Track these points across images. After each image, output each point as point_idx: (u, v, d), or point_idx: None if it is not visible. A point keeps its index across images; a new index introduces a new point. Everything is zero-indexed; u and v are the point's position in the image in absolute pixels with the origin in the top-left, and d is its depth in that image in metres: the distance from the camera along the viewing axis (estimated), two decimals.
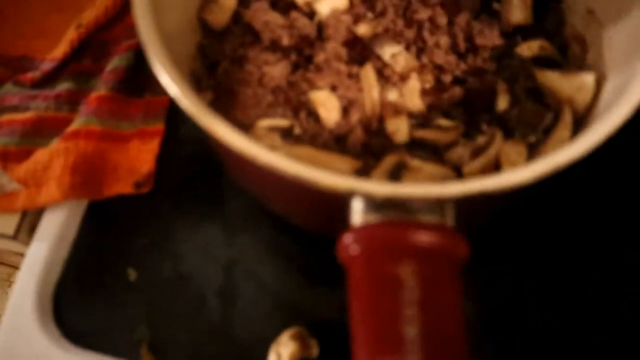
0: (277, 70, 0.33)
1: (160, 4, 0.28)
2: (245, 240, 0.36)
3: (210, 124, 0.23)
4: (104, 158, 0.37)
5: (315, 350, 0.32)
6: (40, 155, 0.36)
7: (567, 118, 0.29)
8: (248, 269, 0.35)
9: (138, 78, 0.39)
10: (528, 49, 0.33)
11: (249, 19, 0.34)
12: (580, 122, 0.30)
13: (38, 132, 0.37)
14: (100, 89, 0.37)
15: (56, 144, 0.36)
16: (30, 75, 0.39)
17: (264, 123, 0.31)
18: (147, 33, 0.26)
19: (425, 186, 0.21)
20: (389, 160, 0.29)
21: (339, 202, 0.23)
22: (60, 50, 0.39)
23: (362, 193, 0.22)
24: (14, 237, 0.36)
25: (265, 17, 0.34)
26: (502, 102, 0.31)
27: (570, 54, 0.33)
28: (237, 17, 0.35)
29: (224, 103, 0.33)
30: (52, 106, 0.38)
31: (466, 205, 0.23)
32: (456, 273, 0.22)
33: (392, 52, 0.33)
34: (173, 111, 0.39)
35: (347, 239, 0.22)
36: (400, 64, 0.32)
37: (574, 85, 0.30)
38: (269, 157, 0.22)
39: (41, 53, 0.41)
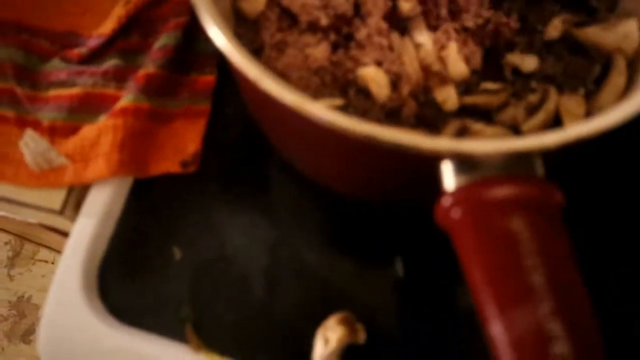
0: (319, 52, 0.33)
1: None
2: (290, 222, 0.36)
3: (261, 77, 0.24)
4: (151, 136, 0.36)
5: (362, 336, 0.32)
6: (88, 131, 0.36)
7: (620, 65, 0.30)
8: (293, 251, 0.35)
9: (185, 57, 0.39)
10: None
11: (287, 3, 0.34)
12: (633, 67, 0.31)
13: (85, 108, 0.37)
14: (149, 66, 0.37)
15: (104, 120, 0.36)
16: (77, 51, 0.39)
17: (319, 104, 0.31)
18: None
19: (523, 139, 0.22)
20: (452, 127, 0.29)
21: (429, 169, 0.23)
22: (108, 26, 0.39)
23: (466, 153, 0.22)
24: (61, 212, 0.36)
25: (301, 0, 0.34)
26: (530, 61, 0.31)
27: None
28: (270, 3, 0.35)
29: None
30: (99, 82, 0.38)
31: (552, 155, 0.23)
32: (560, 218, 0.22)
33: (424, 39, 0.33)
34: (219, 92, 0.39)
35: (447, 202, 0.22)
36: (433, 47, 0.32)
37: (619, 35, 0.30)
38: (358, 125, 0.22)
39: (87, 29, 0.40)
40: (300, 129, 0.27)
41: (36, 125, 0.37)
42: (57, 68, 0.39)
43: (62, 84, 0.38)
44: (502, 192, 0.22)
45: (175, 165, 0.36)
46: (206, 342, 0.33)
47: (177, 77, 0.38)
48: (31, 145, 0.36)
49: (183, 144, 0.37)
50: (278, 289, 0.34)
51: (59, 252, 0.86)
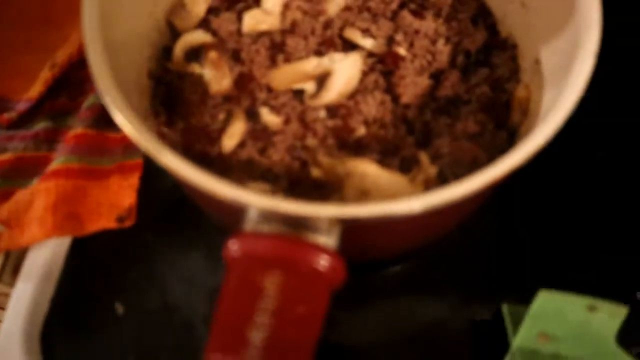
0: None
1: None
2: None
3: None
4: (85, 195, 0.37)
5: None
6: (21, 195, 0.37)
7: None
8: None
9: None
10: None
11: (216, 26, 0.36)
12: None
13: (18, 173, 0.38)
14: (78, 127, 0.38)
15: (37, 184, 0.37)
16: (7, 116, 0.39)
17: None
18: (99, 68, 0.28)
19: (301, 205, 0.23)
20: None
21: (239, 209, 0.25)
22: (35, 90, 0.40)
23: (244, 203, 0.24)
24: None
25: (230, 27, 0.36)
26: None
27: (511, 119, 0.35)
28: (203, 24, 0.37)
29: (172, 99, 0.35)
30: (30, 146, 0.38)
31: (351, 231, 0.25)
32: (323, 292, 0.24)
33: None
34: None
35: (232, 242, 0.24)
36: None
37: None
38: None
39: (17, 93, 0.41)
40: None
41: None
42: None
43: None
44: (273, 248, 0.23)
45: (111, 221, 0.37)
46: None
47: (107, 135, 0.39)
48: None
49: (118, 199, 0.38)
50: None
51: None
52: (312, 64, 0.36)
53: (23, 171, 0.38)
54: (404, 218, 0.25)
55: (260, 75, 0.36)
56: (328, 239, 0.25)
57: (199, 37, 0.36)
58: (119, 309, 0.36)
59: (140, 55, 0.35)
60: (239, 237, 0.24)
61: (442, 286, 0.36)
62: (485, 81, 0.36)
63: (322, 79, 0.36)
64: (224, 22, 0.37)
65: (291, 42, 0.36)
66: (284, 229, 0.24)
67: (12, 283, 0.37)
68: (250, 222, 0.25)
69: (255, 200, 0.24)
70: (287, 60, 0.36)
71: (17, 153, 0.38)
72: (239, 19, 0.37)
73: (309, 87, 0.35)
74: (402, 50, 0.36)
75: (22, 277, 0.36)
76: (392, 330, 0.35)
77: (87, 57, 0.28)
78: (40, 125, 0.39)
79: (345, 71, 0.35)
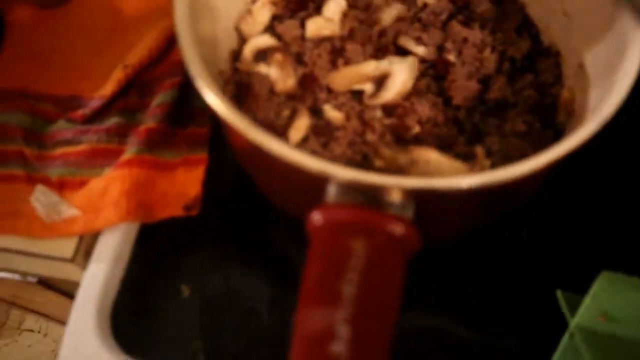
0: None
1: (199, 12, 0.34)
2: (291, 252, 0.39)
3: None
4: (155, 184, 0.40)
5: None
6: (96, 183, 0.39)
7: None
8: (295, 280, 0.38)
9: (181, 112, 0.42)
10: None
11: (281, 32, 0.40)
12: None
13: (91, 163, 0.40)
14: (149, 122, 0.41)
15: (111, 172, 0.39)
16: (81, 112, 0.42)
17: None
18: (190, 54, 0.31)
19: (384, 177, 0.26)
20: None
21: (321, 184, 0.27)
22: (108, 88, 0.43)
23: (331, 175, 0.26)
24: (72, 259, 0.38)
25: (294, 33, 0.40)
26: None
27: (557, 119, 0.37)
28: (268, 30, 0.41)
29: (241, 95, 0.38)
30: (103, 139, 0.41)
31: (424, 204, 0.27)
32: (402, 259, 0.25)
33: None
34: (214, 140, 0.43)
35: (315, 213, 0.26)
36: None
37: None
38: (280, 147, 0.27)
39: (88, 92, 0.44)
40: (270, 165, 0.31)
41: (45, 182, 0.40)
42: (62, 128, 0.42)
43: (68, 143, 0.41)
44: (359, 218, 0.25)
45: (178, 210, 0.39)
46: None
47: (175, 130, 0.42)
48: (42, 199, 0.39)
49: (184, 190, 0.40)
50: (284, 316, 0.37)
51: (47, 317, 0.86)
52: (371, 67, 0.39)
53: (96, 161, 0.40)
54: (471, 194, 0.28)
55: (322, 77, 0.38)
56: (404, 212, 0.27)
57: (266, 41, 0.39)
58: (185, 291, 0.38)
59: (214, 56, 0.38)
60: (322, 209, 0.27)
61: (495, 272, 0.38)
62: (531, 86, 0.39)
63: (380, 81, 0.39)
64: (289, 28, 0.40)
65: (350, 47, 0.39)
66: (362, 201, 0.27)
67: (83, 265, 0.39)
68: (331, 195, 0.27)
69: (342, 172, 0.26)
70: (347, 63, 0.39)
71: (91, 145, 0.41)
72: (302, 25, 0.40)
73: (368, 87, 0.38)
74: (451, 57, 0.39)
75: (94, 260, 0.38)
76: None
77: (181, 46, 0.31)
78: (112, 121, 0.42)
79: (402, 73, 0.38)
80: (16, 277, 0.56)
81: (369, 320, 0.23)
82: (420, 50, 0.40)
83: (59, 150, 0.41)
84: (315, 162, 0.27)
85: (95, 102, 0.43)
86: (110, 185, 0.38)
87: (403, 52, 0.40)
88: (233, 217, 0.40)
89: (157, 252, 0.39)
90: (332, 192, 0.27)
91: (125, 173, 0.39)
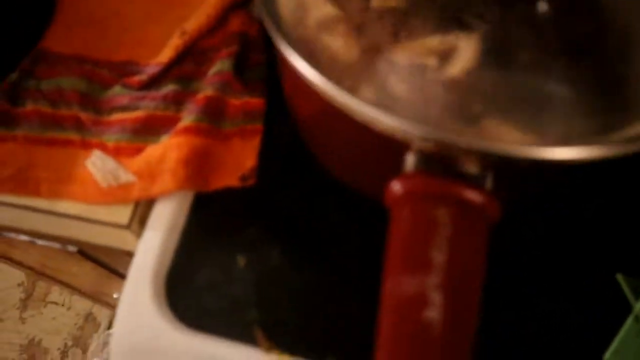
0: None
1: None
2: (347, 226, 0.38)
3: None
4: (211, 153, 0.39)
5: None
6: (153, 149, 0.38)
7: None
8: (353, 253, 0.37)
9: (237, 82, 0.42)
10: None
11: (344, 1, 0.38)
12: None
13: (148, 129, 0.40)
14: (207, 90, 0.40)
15: (168, 139, 0.38)
16: (138, 78, 0.42)
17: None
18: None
19: (474, 139, 0.25)
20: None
21: (396, 155, 0.26)
22: (165, 55, 0.42)
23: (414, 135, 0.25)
24: (128, 226, 0.38)
25: (357, 4, 0.38)
26: None
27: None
28: None
29: None
30: (160, 106, 0.40)
31: (504, 173, 0.26)
32: (484, 227, 0.25)
33: None
34: (269, 113, 0.42)
35: (395, 183, 0.26)
36: None
37: None
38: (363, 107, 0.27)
39: (144, 59, 0.43)
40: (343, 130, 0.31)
41: (101, 147, 0.39)
42: (118, 94, 0.41)
43: (125, 109, 0.41)
44: (442, 187, 0.25)
45: (234, 180, 0.39)
46: (276, 343, 0.35)
47: (231, 100, 0.41)
48: (99, 164, 0.38)
49: (240, 160, 0.39)
50: (341, 291, 0.36)
51: (72, 289, 0.87)
52: (436, 41, 0.38)
53: (153, 128, 0.40)
54: (551, 166, 0.27)
55: (385, 49, 0.38)
56: (484, 182, 0.26)
57: (329, 10, 0.39)
58: (241, 261, 0.37)
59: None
60: (402, 178, 0.26)
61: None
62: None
63: (444, 55, 0.38)
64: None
65: (414, 20, 0.39)
66: (442, 171, 0.26)
67: (138, 233, 0.38)
68: (410, 164, 0.27)
69: (434, 132, 0.25)
70: (410, 36, 0.38)
71: (148, 111, 0.40)
72: None
73: (432, 62, 0.37)
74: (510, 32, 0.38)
75: (149, 227, 0.38)
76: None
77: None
78: (169, 88, 0.41)
79: (469, 49, 0.37)
80: (56, 245, 0.56)
81: (460, 287, 0.23)
82: (483, 26, 0.39)
83: (116, 116, 0.41)
84: (402, 122, 0.26)
85: (152, 69, 0.42)
86: (167, 152, 0.38)
87: (466, 27, 0.39)
88: (289, 190, 0.40)
89: (213, 222, 0.39)
90: (410, 161, 0.27)
91: (183, 141, 0.38)
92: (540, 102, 0.36)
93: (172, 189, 0.37)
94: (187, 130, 0.38)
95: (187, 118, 0.39)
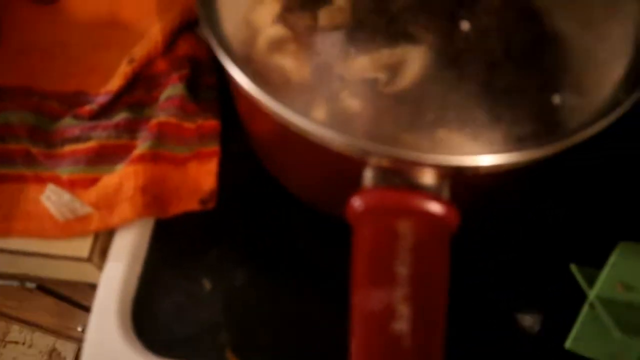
0: None
1: None
2: (310, 243, 0.39)
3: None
4: (169, 178, 0.39)
5: None
6: (109, 179, 0.38)
7: None
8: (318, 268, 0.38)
9: (189, 105, 0.42)
10: None
11: (292, 22, 0.39)
12: None
13: (102, 159, 0.39)
14: (159, 116, 0.40)
15: (124, 168, 0.38)
16: (88, 108, 0.41)
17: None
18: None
19: (418, 154, 0.27)
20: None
21: (353, 172, 0.27)
22: (115, 83, 0.42)
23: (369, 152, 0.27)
24: (89, 259, 0.37)
25: (306, 23, 0.39)
26: None
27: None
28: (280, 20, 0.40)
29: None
30: (112, 135, 0.40)
31: (459, 181, 0.28)
32: (445, 236, 0.26)
33: None
34: (226, 133, 0.42)
35: (355, 199, 0.26)
36: None
37: None
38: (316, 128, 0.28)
39: (94, 88, 0.43)
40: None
41: (56, 180, 0.39)
42: (69, 125, 0.41)
43: (77, 140, 0.40)
44: (398, 198, 0.26)
45: (194, 204, 0.39)
46: None
47: (185, 124, 0.41)
48: (54, 199, 0.38)
49: (199, 184, 0.39)
50: (309, 307, 0.37)
51: (33, 326, 0.84)
52: (385, 54, 0.39)
53: (107, 158, 0.39)
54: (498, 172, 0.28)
55: (336, 66, 0.38)
56: (441, 192, 0.27)
57: (279, 30, 0.39)
58: (207, 285, 0.37)
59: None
60: (361, 194, 0.27)
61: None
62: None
63: (393, 68, 0.39)
64: (300, 18, 0.40)
65: (361, 36, 0.40)
66: (400, 183, 0.27)
67: (100, 265, 0.38)
68: (368, 179, 0.27)
69: (388, 149, 0.27)
70: (358, 52, 0.39)
71: (100, 141, 0.40)
72: (313, 15, 0.40)
73: (382, 75, 0.39)
74: (460, 44, 0.40)
75: (111, 258, 0.37)
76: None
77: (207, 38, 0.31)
78: (120, 116, 0.41)
79: (417, 60, 0.38)
80: (14, 283, 0.54)
81: (426, 298, 0.23)
82: (429, 37, 0.40)
83: (68, 148, 0.40)
84: (358, 141, 0.27)
85: (102, 98, 0.42)
86: (124, 181, 0.38)
87: (412, 39, 0.40)
88: (250, 210, 0.40)
89: (175, 247, 0.39)
90: (368, 176, 0.27)
91: (139, 168, 0.38)
92: (488, 108, 0.37)
93: (131, 218, 0.37)
94: (142, 158, 0.38)
95: (142, 145, 0.39)
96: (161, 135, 0.39)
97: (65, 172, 0.39)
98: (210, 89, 0.43)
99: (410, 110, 0.37)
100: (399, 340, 0.22)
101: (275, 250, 0.39)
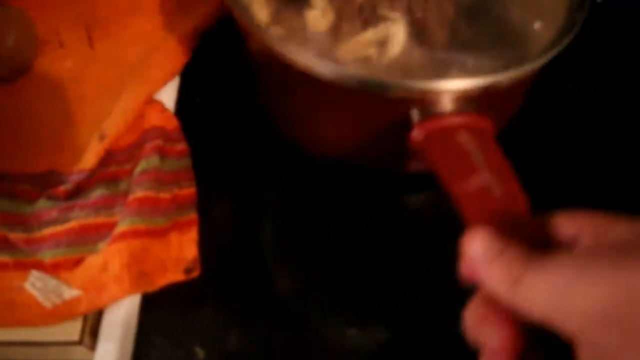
0: None
1: None
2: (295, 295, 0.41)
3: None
4: (152, 252, 0.40)
5: None
6: (94, 259, 0.39)
7: None
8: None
9: (165, 176, 0.43)
10: None
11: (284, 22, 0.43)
12: None
13: (83, 239, 0.40)
14: (136, 191, 0.41)
15: (107, 247, 0.39)
16: (63, 188, 0.41)
17: None
18: None
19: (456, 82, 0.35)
20: None
21: (403, 115, 0.36)
22: (88, 161, 0.42)
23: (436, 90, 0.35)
24: (80, 342, 0.38)
25: (296, 23, 0.43)
26: None
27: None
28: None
29: None
30: (91, 214, 0.41)
31: (482, 99, 0.36)
32: (489, 135, 0.35)
33: None
34: (204, 200, 0.44)
35: (416, 131, 0.35)
36: None
37: None
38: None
39: (65, 166, 0.43)
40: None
41: (38, 265, 0.39)
42: (46, 207, 0.41)
43: (55, 222, 0.40)
44: (451, 120, 0.35)
45: (179, 274, 0.40)
46: None
47: (161, 196, 0.42)
48: (39, 285, 0.38)
49: (182, 253, 0.40)
50: None
51: None
52: (370, 34, 0.43)
53: (88, 237, 0.40)
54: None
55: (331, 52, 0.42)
56: (470, 108, 0.36)
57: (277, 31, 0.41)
58: (200, 353, 0.38)
59: None
60: (420, 127, 0.35)
61: None
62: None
63: (381, 43, 0.43)
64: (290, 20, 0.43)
65: (345, 26, 0.43)
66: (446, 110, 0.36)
67: (92, 346, 0.38)
68: (416, 116, 0.36)
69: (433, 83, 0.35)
70: (346, 37, 0.43)
71: (79, 221, 0.40)
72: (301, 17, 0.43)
73: (372, 51, 0.42)
74: (419, 14, 0.45)
75: (102, 338, 0.38)
76: None
77: None
78: (97, 193, 0.41)
79: (400, 31, 0.43)
80: None
81: (502, 172, 0.32)
82: (396, 15, 0.44)
83: (47, 231, 0.40)
84: (413, 82, 0.36)
85: (76, 177, 0.42)
86: (109, 260, 0.38)
87: (384, 19, 0.44)
88: (236, 274, 0.41)
89: (165, 318, 0.39)
90: (416, 113, 0.36)
91: (122, 246, 0.39)
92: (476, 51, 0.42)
93: (120, 297, 0.38)
94: (124, 235, 0.39)
95: (122, 223, 0.40)
96: (139, 211, 0.40)
97: (47, 255, 0.39)
98: (182, 157, 0.44)
99: (413, 67, 0.41)
100: (494, 199, 0.30)
101: (264, 310, 0.40)
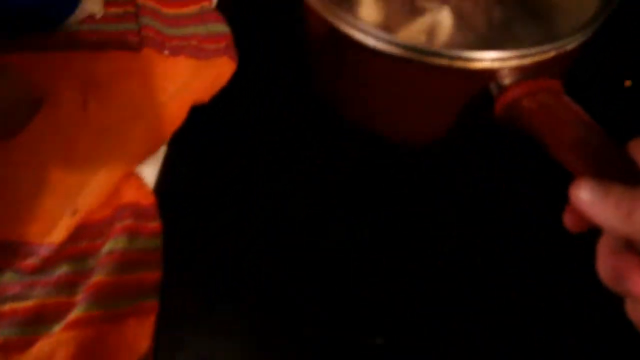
0: None
1: None
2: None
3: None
4: (104, 341, 0.39)
5: None
6: (45, 345, 0.38)
7: None
8: None
9: (131, 257, 0.42)
10: None
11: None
12: None
13: (39, 320, 0.39)
14: (98, 274, 0.40)
15: (57, 334, 0.38)
16: (31, 262, 0.41)
17: None
18: None
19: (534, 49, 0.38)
20: None
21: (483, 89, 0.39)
22: (58, 235, 0.42)
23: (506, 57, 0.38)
24: None
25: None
26: None
27: None
28: None
29: None
30: (52, 292, 0.40)
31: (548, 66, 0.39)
32: (562, 94, 0.37)
33: None
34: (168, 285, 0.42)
35: (501, 101, 0.38)
36: None
37: None
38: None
39: (36, 238, 0.43)
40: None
41: None
42: (11, 280, 0.41)
43: (16, 298, 0.40)
44: (531, 85, 0.37)
45: None
46: None
47: (125, 278, 0.41)
48: None
49: (136, 343, 0.39)
50: None
51: None
52: (418, 23, 0.45)
53: (45, 317, 0.39)
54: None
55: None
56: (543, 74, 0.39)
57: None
58: None
59: None
60: (504, 96, 0.38)
61: None
62: None
63: (429, 31, 0.46)
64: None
65: (396, 17, 0.46)
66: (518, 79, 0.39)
67: None
68: (495, 89, 0.39)
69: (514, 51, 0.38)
70: (399, 27, 0.45)
71: (38, 300, 0.40)
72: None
73: (423, 38, 0.45)
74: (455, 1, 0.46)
75: None
76: None
77: None
78: (62, 270, 0.41)
79: (447, 18, 0.45)
80: None
81: (588, 121, 0.34)
82: (434, 4, 0.46)
83: (7, 307, 0.40)
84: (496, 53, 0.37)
85: (44, 250, 0.42)
86: (56, 350, 0.37)
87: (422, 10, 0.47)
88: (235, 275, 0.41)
89: None
90: (494, 87, 0.39)
91: (71, 335, 0.38)
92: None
93: None
94: (77, 323, 0.38)
95: (78, 309, 0.39)
96: (99, 296, 0.39)
97: (1, 334, 0.39)
98: (153, 236, 0.43)
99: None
100: (591, 146, 0.32)
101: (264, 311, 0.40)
